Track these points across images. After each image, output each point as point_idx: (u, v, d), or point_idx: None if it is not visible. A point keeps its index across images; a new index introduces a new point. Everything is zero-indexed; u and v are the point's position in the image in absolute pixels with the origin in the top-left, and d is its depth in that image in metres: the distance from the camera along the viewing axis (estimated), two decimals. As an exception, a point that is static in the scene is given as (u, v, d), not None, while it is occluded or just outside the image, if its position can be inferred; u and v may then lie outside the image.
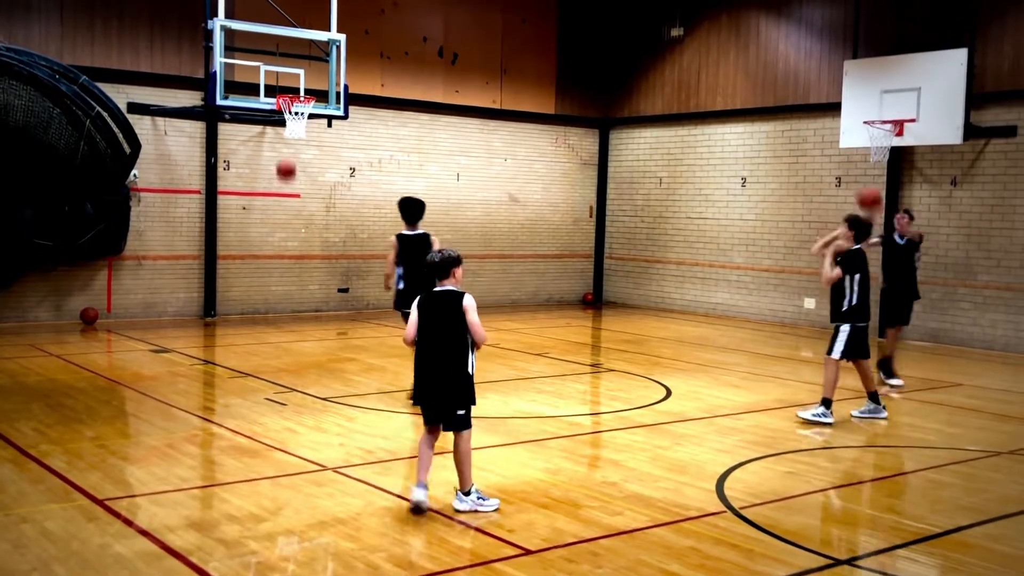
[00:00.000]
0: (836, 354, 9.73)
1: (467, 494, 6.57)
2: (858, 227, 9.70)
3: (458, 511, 6.50)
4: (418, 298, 6.70)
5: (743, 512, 6.76)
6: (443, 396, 6.55)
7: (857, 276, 9.65)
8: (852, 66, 16.11)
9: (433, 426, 6.68)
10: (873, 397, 10.04)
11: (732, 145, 19.21)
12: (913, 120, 15.12)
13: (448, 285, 6.58)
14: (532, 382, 11.65)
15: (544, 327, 17.11)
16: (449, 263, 6.57)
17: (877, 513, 7.02)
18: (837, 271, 9.63)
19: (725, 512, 6.77)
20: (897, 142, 15.42)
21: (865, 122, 15.55)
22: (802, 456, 8.46)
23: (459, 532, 6.22)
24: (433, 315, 6.58)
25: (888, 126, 15.34)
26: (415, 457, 7.33)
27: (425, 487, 6.53)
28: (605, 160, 21.75)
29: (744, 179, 18.92)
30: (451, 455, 6.72)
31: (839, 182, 17.36)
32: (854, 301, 9.68)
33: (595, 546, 6.03)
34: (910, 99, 15.09)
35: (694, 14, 19.71)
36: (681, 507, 6.86)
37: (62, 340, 14.01)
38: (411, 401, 10.36)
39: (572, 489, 7.23)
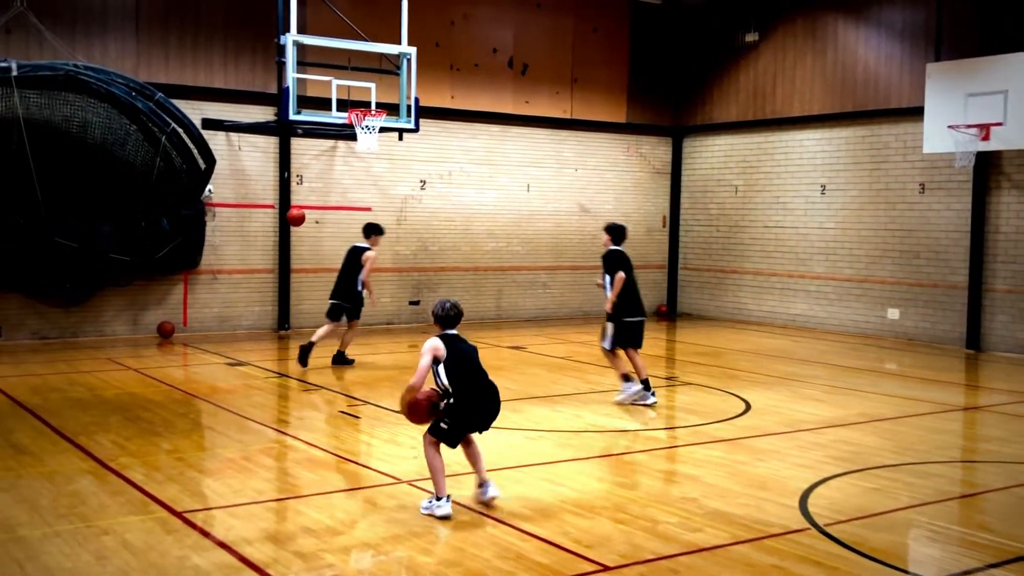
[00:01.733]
0: (607, 344, 10.99)
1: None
2: (614, 232, 11.06)
3: (494, 500, 6.93)
4: (446, 348, 6.84)
5: (827, 529, 6.54)
6: (495, 414, 7.08)
7: (608, 277, 10.93)
8: (934, 69, 15.67)
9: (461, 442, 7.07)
10: (644, 383, 10.90)
11: (810, 152, 18.83)
12: (1000, 124, 14.64)
13: (456, 331, 7.00)
14: (606, 395, 11.49)
15: (617, 338, 16.89)
16: (461, 315, 7.07)
17: (968, 531, 6.75)
18: (619, 275, 10.78)
19: (809, 529, 6.56)
20: (983, 147, 14.95)
21: (949, 127, 15.11)
22: (887, 472, 8.18)
23: (535, 547, 6.11)
24: (468, 356, 6.94)
25: (974, 130, 14.89)
26: (491, 470, 7.26)
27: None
28: (678, 169, 21.50)
29: (823, 186, 18.52)
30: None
31: (923, 189, 16.89)
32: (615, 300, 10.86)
33: (674, 563, 5.88)
34: (996, 102, 14.62)
35: (769, 18, 19.39)
36: (763, 524, 6.66)
37: (139, 354, 14.23)
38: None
39: (649, 504, 7.08)
